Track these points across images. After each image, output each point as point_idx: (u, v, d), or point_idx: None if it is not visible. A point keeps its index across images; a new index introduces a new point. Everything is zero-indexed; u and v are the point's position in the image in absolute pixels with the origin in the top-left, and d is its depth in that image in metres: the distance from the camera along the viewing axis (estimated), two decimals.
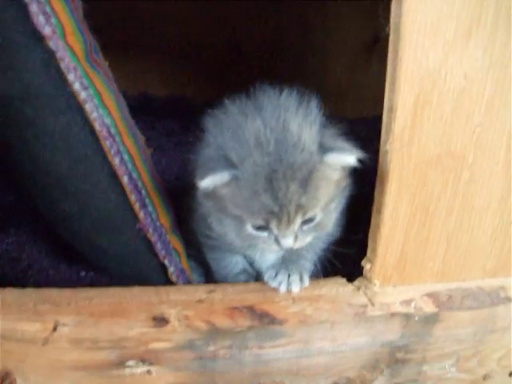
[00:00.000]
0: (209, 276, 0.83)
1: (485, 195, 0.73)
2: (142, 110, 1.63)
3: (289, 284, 0.70)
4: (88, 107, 0.60)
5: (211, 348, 0.64)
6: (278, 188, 0.62)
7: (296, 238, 0.67)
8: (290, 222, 0.65)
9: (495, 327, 0.77)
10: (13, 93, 0.59)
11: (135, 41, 1.72)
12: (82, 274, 0.77)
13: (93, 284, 0.75)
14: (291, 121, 0.65)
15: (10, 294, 0.64)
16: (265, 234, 0.68)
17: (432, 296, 0.74)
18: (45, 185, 0.67)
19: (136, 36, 1.72)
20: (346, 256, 0.77)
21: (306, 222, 0.68)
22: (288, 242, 0.67)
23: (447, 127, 0.68)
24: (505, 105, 0.69)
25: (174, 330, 0.63)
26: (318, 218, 0.69)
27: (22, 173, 0.72)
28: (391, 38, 0.64)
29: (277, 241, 0.68)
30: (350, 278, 0.76)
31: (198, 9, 1.70)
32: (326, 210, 0.69)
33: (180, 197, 0.82)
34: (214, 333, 0.64)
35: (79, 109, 0.60)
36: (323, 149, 0.65)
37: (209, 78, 1.79)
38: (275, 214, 0.64)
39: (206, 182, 0.63)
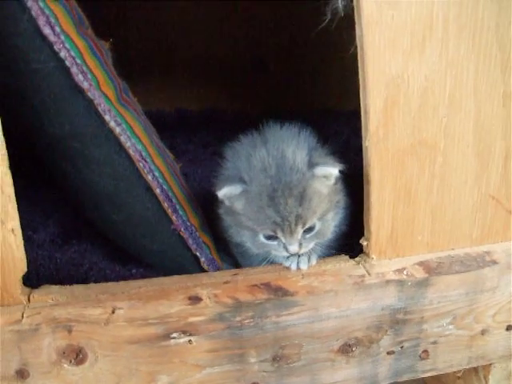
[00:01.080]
0: (237, 266, 1.03)
1: (460, 174, 0.89)
2: (178, 125, 1.87)
3: (298, 263, 0.89)
4: (123, 138, 0.81)
5: (237, 318, 0.82)
6: (278, 203, 0.83)
7: (300, 245, 0.87)
8: (292, 231, 0.85)
9: (484, 287, 0.92)
10: (65, 133, 0.80)
11: (168, 64, 1.96)
12: (134, 271, 0.97)
13: (142, 278, 0.96)
14: (287, 149, 0.86)
15: (77, 289, 0.85)
16: (275, 242, 0.88)
17: (422, 264, 0.90)
18: (97, 201, 0.88)
19: (168, 60, 1.95)
20: None
21: (307, 231, 0.87)
22: (294, 248, 0.86)
23: (416, 121, 0.84)
24: (466, 96, 0.85)
25: (206, 305, 0.81)
26: (317, 228, 0.89)
27: (76, 195, 0.95)
28: (358, 53, 0.81)
29: (285, 248, 0.87)
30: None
31: (221, 27, 1.91)
32: (323, 220, 0.89)
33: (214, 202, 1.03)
34: (239, 306, 0.82)
35: (116, 140, 0.81)
36: (311, 165, 0.85)
37: (238, 91, 2.00)
38: (279, 225, 0.84)
39: (223, 192, 0.85)
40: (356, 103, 0.86)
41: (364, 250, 0.92)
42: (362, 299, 0.87)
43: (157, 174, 0.86)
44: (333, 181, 0.89)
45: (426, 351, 0.94)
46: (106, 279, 0.92)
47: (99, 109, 0.78)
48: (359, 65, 0.83)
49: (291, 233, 0.85)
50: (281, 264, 0.92)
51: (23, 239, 0.81)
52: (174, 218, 0.88)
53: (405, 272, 0.89)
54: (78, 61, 0.76)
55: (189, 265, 0.93)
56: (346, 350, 0.90)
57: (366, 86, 0.82)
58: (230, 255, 1.03)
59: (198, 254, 0.92)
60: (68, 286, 0.86)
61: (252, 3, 1.94)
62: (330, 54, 1.94)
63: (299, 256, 0.90)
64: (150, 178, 0.84)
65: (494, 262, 0.92)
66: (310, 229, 0.88)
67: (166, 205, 0.87)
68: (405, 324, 0.91)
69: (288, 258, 0.90)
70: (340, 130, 1.56)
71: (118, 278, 0.91)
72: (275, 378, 0.89)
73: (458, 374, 1.06)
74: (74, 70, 0.75)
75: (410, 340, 0.92)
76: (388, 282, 0.87)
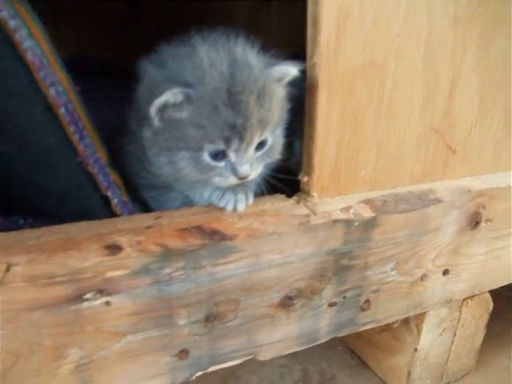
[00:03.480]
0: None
1: (407, 103, 0.85)
2: None
3: (235, 201, 0.79)
4: (17, 37, 0.63)
5: (166, 271, 0.70)
6: (239, 101, 0.71)
7: (251, 165, 0.76)
8: (251, 139, 0.74)
9: (428, 228, 0.89)
10: None
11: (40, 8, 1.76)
12: (21, 222, 0.79)
13: None
14: (235, 47, 0.75)
15: None
16: (221, 163, 0.76)
17: (368, 202, 0.85)
18: None
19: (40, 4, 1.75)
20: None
21: (258, 147, 0.77)
22: (245, 169, 0.76)
23: (369, 38, 0.78)
24: (421, 16, 0.81)
25: (128, 255, 0.68)
26: (269, 142, 0.79)
27: None
28: None
29: (233, 170, 0.76)
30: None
31: None
32: (274, 134, 0.79)
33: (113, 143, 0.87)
34: (168, 255, 0.70)
35: (8, 39, 0.63)
36: (269, 65, 0.76)
37: (109, 40, 1.95)
38: (237, 130, 0.72)
39: (163, 98, 0.70)
40: None
41: (303, 187, 0.84)
42: (307, 242, 0.79)
43: (60, 88, 0.69)
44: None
45: (367, 301, 0.89)
46: None
47: None
48: None
49: (248, 143, 0.74)
50: (211, 203, 0.81)
51: None
52: (80, 146, 0.72)
53: (351, 211, 0.82)
54: None
55: (96, 209, 0.78)
56: (286, 303, 0.81)
57: None
58: (139, 201, 0.88)
59: (109, 194, 0.76)
60: None
61: None
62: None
63: (235, 195, 0.79)
64: (52, 92, 0.67)
65: (439, 201, 0.89)
66: (262, 144, 0.78)
67: (71, 129, 0.70)
68: (349, 271, 0.84)
69: (222, 197, 0.80)
70: None
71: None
72: (208, 341, 0.78)
73: (395, 325, 1.02)
74: None
75: (353, 289, 0.87)
76: (335, 221, 0.80)
